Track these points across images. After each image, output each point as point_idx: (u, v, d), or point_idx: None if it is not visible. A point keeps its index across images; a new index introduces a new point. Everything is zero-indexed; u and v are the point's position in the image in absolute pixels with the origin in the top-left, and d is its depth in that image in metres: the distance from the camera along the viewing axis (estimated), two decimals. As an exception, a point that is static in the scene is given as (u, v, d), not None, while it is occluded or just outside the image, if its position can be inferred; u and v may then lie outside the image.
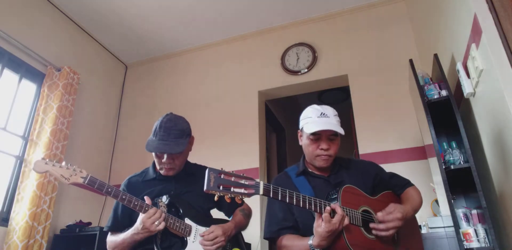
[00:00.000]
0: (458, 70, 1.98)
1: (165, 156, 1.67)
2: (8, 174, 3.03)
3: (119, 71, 4.51)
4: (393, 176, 1.69)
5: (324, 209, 1.30)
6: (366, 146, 3.20)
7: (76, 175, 1.52)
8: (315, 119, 1.52)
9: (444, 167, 1.93)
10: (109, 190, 1.54)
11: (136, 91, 4.43)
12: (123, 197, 1.55)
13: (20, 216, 2.79)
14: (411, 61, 2.45)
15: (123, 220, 1.71)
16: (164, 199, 1.68)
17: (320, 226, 1.29)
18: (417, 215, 1.60)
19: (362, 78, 3.47)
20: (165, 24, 3.95)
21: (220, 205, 1.86)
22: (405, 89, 2.99)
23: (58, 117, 3.21)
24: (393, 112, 3.22)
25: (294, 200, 1.28)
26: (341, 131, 1.50)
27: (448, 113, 2.01)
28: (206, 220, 1.71)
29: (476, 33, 1.70)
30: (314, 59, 3.71)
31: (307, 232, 1.44)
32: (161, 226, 1.54)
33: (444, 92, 2.11)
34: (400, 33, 3.50)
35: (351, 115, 3.52)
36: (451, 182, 1.87)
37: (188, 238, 1.63)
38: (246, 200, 1.27)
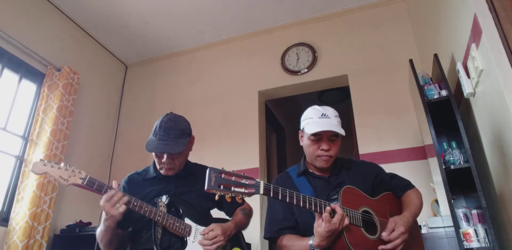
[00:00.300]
0: (458, 70, 1.99)
1: (165, 156, 1.67)
2: (8, 174, 3.03)
3: (119, 71, 4.51)
4: (394, 176, 1.69)
5: (324, 209, 1.30)
6: (366, 146, 3.20)
7: (75, 176, 1.51)
8: (316, 120, 1.52)
9: (444, 167, 1.93)
10: (108, 190, 1.54)
11: (136, 91, 4.43)
12: None
13: (20, 216, 2.79)
14: (411, 61, 2.45)
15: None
16: (164, 198, 1.67)
17: (320, 226, 1.29)
18: (417, 215, 1.60)
19: (362, 78, 3.48)
20: (165, 24, 3.95)
21: (221, 205, 1.86)
22: (405, 89, 2.99)
23: (58, 117, 3.21)
24: (393, 112, 3.22)
25: (294, 200, 1.28)
26: (342, 131, 1.50)
27: (448, 113, 2.01)
28: (206, 220, 1.71)
29: (476, 33, 1.70)
30: (314, 59, 3.71)
31: (307, 232, 1.44)
32: (121, 209, 1.50)
33: (444, 92, 2.11)
34: (400, 33, 3.50)
35: (351, 116, 3.52)
36: (451, 182, 1.87)
37: (188, 238, 1.63)
38: (246, 199, 1.28)
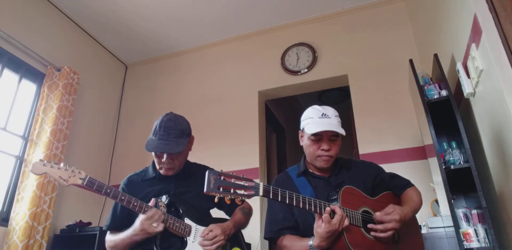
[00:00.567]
0: (458, 70, 1.98)
1: (165, 156, 1.67)
2: (8, 174, 3.03)
3: (119, 71, 4.51)
4: (394, 176, 1.69)
5: (324, 209, 1.30)
6: (366, 146, 3.20)
7: (74, 176, 1.51)
8: (316, 120, 1.52)
9: (444, 167, 1.93)
10: (108, 191, 1.54)
11: (136, 91, 4.43)
12: (122, 197, 1.55)
13: (20, 216, 2.79)
14: (411, 61, 2.45)
15: (122, 220, 1.71)
16: (164, 198, 1.67)
17: (320, 227, 1.29)
18: (417, 215, 1.60)
19: (362, 78, 3.48)
20: (165, 24, 3.95)
21: (221, 205, 1.85)
22: (405, 89, 2.99)
23: (58, 117, 3.21)
24: (393, 112, 3.22)
25: (294, 201, 1.29)
26: (342, 131, 1.50)
27: (448, 113, 2.01)
28: (206, 220, 1.71)
29: (476, 33, 1.70)
30: (314, 59, 3.71)
31: (307, 232, 1.44)
32: (160, 227, 1.54)
33: (444, 92, 2.11)
34: (400, 33, 3.50)
35: (351, 116, 3.52)
36: (451, 182, 1.87)
37: (187, 238, 1.63)
38: (246, 200, 1.27)
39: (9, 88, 3.17)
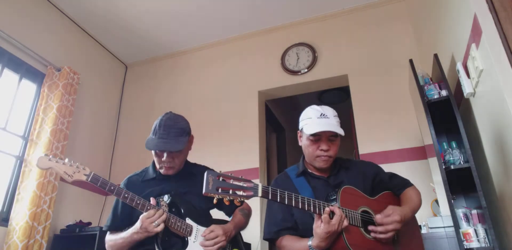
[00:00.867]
0: (458, 70, 1.98)
1: (165, 154, 1.67)
2: (8, 174, 3.03)
3: (119, 71, 4.51)
4: (393, 176, 1.69)
5: (323, 210, 1.30)
6: (366, 146, 3.20)
7: (79, 172, 1.51)
8: (315, 120, 1.52)
9: (444, 167, 1.92)
10: (112, 188, 1.54)
11: (136, 91, 4.43)
12: (126, 195, 1.55)
13: (20, 216, 2.79)
14: (411, 61, 2.45)
15: (122, 220, 1.71)
16: (166, 198, 1.67)
17: (319, 227, 1.29)
18: (417, 215, 1.60)
19: (362, 78, 3.47)
20: (165, 24, 3.95)
21: (220, 205, 1.85)
22: (405, 89, 2.99)
23: (58, 117, 3.21)
24: (393, 112, 3.21)
25: (293, 202, 1.28)
26: (341, 131, 1.50)
27: (448, 113, 2.01)
28: (206, 220, 1.71)
29: (476, 33, 1.70)
30: (314, 59, 3.71)
31: (306, 232, 1.43)
32: (160, 227, 1.53)
33: (444, 92, 2.11)
34: (400, 33, 3.49)
35: (351, 116, 3.52)
36: (451, 182, 1.87)
37: (189, 238, 1.63)
38: (245, 201, 1.27)
39: (9, 88, 3.17)
